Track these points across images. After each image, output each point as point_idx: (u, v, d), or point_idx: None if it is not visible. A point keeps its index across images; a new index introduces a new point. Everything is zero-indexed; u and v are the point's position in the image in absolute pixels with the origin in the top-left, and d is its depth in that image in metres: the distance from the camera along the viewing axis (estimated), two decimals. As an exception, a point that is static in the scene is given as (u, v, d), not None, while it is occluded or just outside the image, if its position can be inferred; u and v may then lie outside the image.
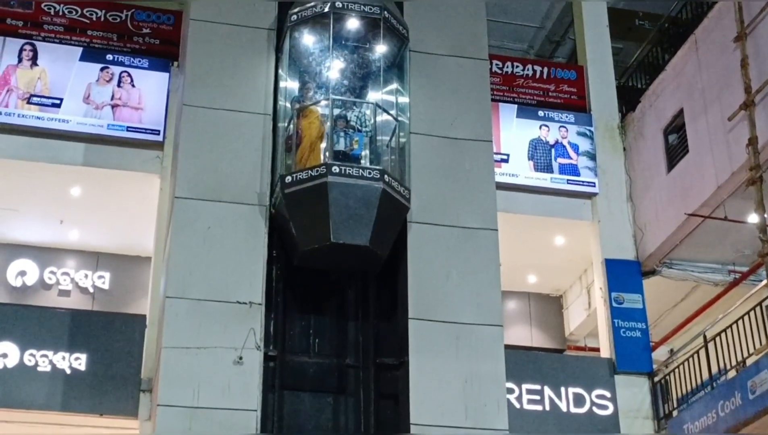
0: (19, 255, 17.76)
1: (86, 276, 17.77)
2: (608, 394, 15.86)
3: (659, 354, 17.62)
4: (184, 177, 12.74)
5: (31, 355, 14.05)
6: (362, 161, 12.86)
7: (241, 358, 11.77)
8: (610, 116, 17.90)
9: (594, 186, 17.31)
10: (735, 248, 16.47)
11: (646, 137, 17.33)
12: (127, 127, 15.58)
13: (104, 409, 13.99)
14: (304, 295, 12.82)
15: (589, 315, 18.58)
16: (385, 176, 12.31)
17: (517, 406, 15.34)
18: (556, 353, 18.95)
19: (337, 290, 12.91)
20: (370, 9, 13.19)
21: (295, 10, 13.25)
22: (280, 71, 13.35)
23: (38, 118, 15.34)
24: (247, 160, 12.87)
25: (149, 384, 13.85)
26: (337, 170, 12.18)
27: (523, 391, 15.58)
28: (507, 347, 12.86)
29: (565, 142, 17.57)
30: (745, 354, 14.56)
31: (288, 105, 13.25)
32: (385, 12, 13.19)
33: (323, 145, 12.84)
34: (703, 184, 15.61)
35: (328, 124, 12.74)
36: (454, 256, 12.88)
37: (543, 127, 17.60)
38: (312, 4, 13.19)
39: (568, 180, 17.33)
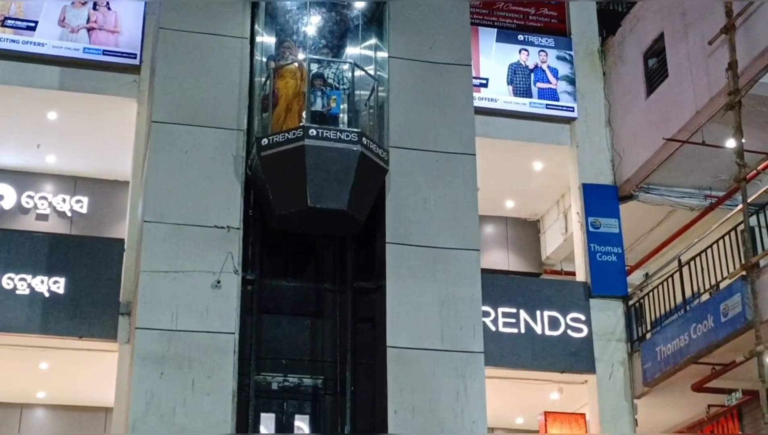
0: (-3, 179, 17.72)
1: (64, 200, 17.75)
2: (583, 317, 16.04)
3: (634, 278, 17.81)
4: (161, 101, 12.67)
5: (10, 278, 14.09)
6: (340, 122, 12.63)
7: (219, 281, 11.83)
8: (590, 40, 17.85)
9: (573, 111, 17.32)
10: (712, 173, 16.54)
11: (626, 61, 17.31)
12: (104, 50, 15.44)
13: (83, 331, 14.09)
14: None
15: (565, 239, 18.70)
16: (364, 139, 12.08)
17: (493, 328, 15.50)
18: (532, 277, 19.11)
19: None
20: None
21: None
22: (256, 26, 13.03)
23: (13, 41, 15.19)
24: (224, 83, 12.79)
25: (128, 307, 13.93)
26: (315, 133, 11.93)
27: (499, 314, 15.73)
28: (484, 271, 12.95)
29: (544, 67, 17.54)
30: (719, 278, 14.73)
31: (264, 61, 12.97)
32: None
33: (300, 105, 12.54)
34: (681, 109, 15.63)
35: (305, 83, 12.45)
36: (431, 180, 12.90)
37: (522, 51, 17.54)
38: None
39: (547, 105, 17.32)
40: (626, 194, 16.92)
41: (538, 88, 17.39)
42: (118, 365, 13.72)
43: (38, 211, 17.61)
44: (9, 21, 15.24)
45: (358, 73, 13.00)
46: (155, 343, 11.50)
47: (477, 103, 14.95)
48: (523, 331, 15.75)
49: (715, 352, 14.38)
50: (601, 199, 16.83)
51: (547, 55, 17.60)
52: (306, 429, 12.05)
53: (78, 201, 17.83)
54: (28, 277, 14.13)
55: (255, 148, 12.09)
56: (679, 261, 15.64)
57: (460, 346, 12.19)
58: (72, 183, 17.90)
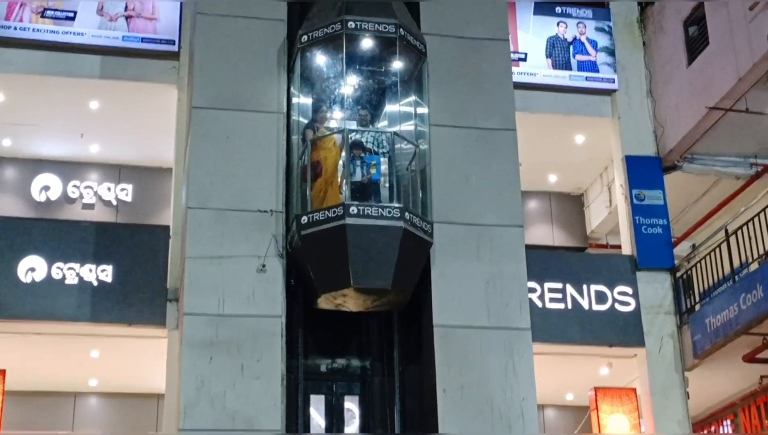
0: (42, 170, 17.90)
1: (109, 189, 17.92)
2: (630, 291, 15.94)
3: (681, 249, 17.65)
4: (200, 87, 12.70)
5: (59, 268, 14.22)
6: (381, 190, 12.24)
7: (264, 265, 11.87)
8: (629, 10, 17.67)
9: (613, 82, 17.17)
10: (757, 140, 16.36)
11: (666, 30, 17.11)
12: (142, 38, 15.53)
13: (132, 318, 14.20)
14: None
15: (610, 212, 18.59)
16: (406, 214, 11.66)
17: (540, 305, 15.45)
18: (577, 251, 19.02)
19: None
20: (385, 28, 12.30)
21: (305, 30, 12.52)
22: (291, 89, 12.66)
23: (53, 31, 15.31)
24: (263, 67, 12.79)
25: (175, 293, 14.03)
26: (355, 211, 11.49)
27: (545, 290, 15.67)
28: (528, 247, 12.88)
29: (583, 39, 17.39)
30: None
31: (300, 133, 12.56)
32: (401, 29, 12.32)
33: (340, 178, 12.12)
34: (724, 77, 15.44)
35: (344, 153, 12.06)
36: (472, 158, 12.84)
37: (561, 24, 17.40)
38: (322, 23, 12.41)
39: (587, 77, 17.18)
40: (670, 165, 16.77)
41: (578, 60, 17.25)
42: (167, 351, 13.83)
43: (84, 201, 17.80)
44: (48, 12, 15.36)
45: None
46: (203, 328, 11.57)
47: (516, 78, 14.83)
48: (570, 306, 15.69)
49: (766, 322, 14.24)
50: (644, 171, 16.69)
51: (585, 27, 17.46)
52: (356, 410, 12.09)
53: (123, 189, 17.99)
54: (77, 267, 14.26)
55: (295, 226, 11.73)
56: (726, 231, 15.50)
57: (507, 323, 12.15)
58: (116, 171, 18.06)
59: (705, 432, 18.54)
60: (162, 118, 15.75)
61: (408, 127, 12.73)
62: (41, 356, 15.71)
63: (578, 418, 17.99)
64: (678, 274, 16.23)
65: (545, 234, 19.62)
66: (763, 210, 14.59)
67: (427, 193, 12.32)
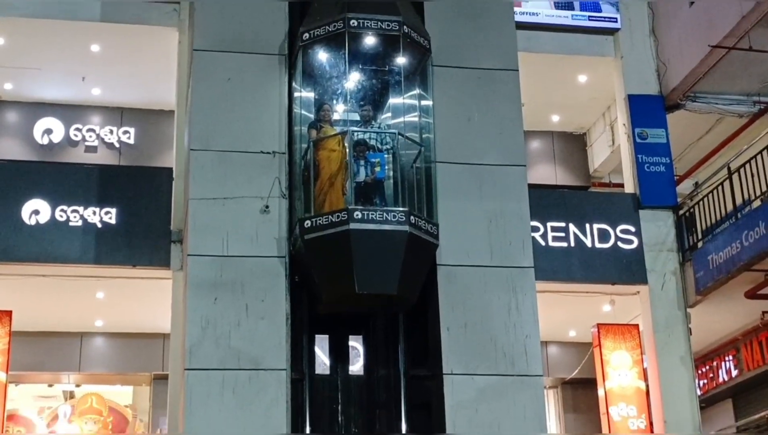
0: (44, 113, 17.91)
1: (111, 131, 17.93)
2: (633, 229, 15.99)
3: (684, 187, 17.69)
4: (201, 29, 12.64)
5: (62, 211, 14.26)
6: (386, 189, 12.04)
7: (267, 206, 11.90)
8: (631, -53, 17.53)
9: (616, 21, 17.06)
10: (760, 78, 16.32)
11: (669, -32, 17.00)
12: (142, -20, 15.42)
13: (137, 260, 14.26)
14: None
15: (612, 151, 18.59)
16: (411, 217, 11.40)
17: (543, 243, 15.51)
18: (580, 190, 19.04)
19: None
20: (388, 25, 12.01)
21: (307, 27, 12.23)
22: (293, 83, 12.39)
23: (53, -26, 15.20)
24: (264, 9, 12.72)
25: (179, 235, 14.09)
26: (360, 216, 11.25)
27: (548, 229, 15.71)
28: (531, 186, 12.89)
29: (585, -23, 17.27)
30: (770, 184, 14.62)
31: (305, 129, 12.32)
32: (405, 27, 12.03)
33: (343, 178, 11.86)
34: (727, 15, 15.34)
35: (348, 154, 11.80)
36: (475, 98, 12.81)
37: (563, -37, 17.28)
38: (324, 20, 12.13)
39: (589, 16, 17.07)
40: (673, 103, 16.73)
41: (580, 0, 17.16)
42: (172, 292, 13.92)
43: (87, 144, 17.83)
44: (48, -47, 15.24)
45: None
46: (207, 269, 11.63)
47: (518, 18, 14.77)
48: (572, 244, 15.74)
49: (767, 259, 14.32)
50: (647, 110, 16.66)
51: (588, -36, 17.33)
52: (360, 349, 12.18)
53: (125, 132, 18.00)
54: (80, 209, 14.30)
55: (298, 229, 11.53)
56: (729, 169, 15.50)
57: (510, 262, 12.20)
58: (118, 114, 18.06)
59: (707, 367, 18.72)
60: (163, 61, 15.70)
61: (412, 118, 12.48)
62: (47, 298, 15.84)
63: (581, 354, 18.15)
64: (680, 212, 16.27)
65: (548, 173, 19.64)
66: (766, 148, 14.59)
67: (432, 192, 12.08)
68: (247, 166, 12.03)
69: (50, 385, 19.60)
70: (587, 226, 15.88)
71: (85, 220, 14.27)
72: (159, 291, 14.62)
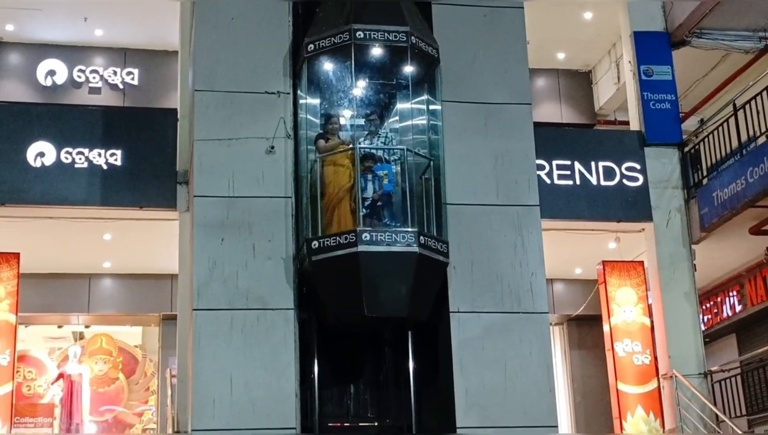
0: (47, 55, 17.86)
1: (115, 73, 17.89)
2: (638, 166, 15.98)
3: (689, 124, 17.66)
4: (204, -32, 12.55)
5: (68, 152, 14.28)
6: (394, 202, 11.71)
7: (272, 147, 11.89)
8: None
9: (621, -44, 16.93)
10: (766, 14, 16.20)
11: None
12: None
13: (143, 201, 14.31)
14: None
15: (618, 89, 18.53)
16: (421, 237, 11.11)
17: (548, 181, 15.52)
18: (585, 128, 19.02)
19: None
20: (395, 36, 11.63)
21: (311, 38, 11.85)
22: (299, 92, 12.06)
23: None
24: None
25: (185, 176, 14.12)
26: (368, 237, 10.96)
27: (554, 167, 15.72)
28: (536, 124, 12.85)
29: None
30: (776, 120, 14.58)
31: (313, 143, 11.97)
32: (413, 37, 11.65)
33: (351, 197, 11.55)
34: (733, -51, 15.24)
35: (356, 165, 11.47)
36: (480, 36, 12.72)
37: None
38: (329, 31, 11.73)
39: (594, -49, 16.95)
40: (678, 40, 16.63)
41: (585, -66, 17.01)
42: (179, 233, 13.98)
43: (90, 85, 17.79)
44: None
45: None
46: (214, 210, 11.65)
47: (523, -46, 14.64)
48: (578, 182, 15.75)
49: (772, 196, 14.34)
50: (653, 47, 16.57)
51: None
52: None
53: (129, 73, 17.95)
54: (86, 151, 14.31)
55: (305, 249, 11.30)
56: (734, 105, 15.45)
57: (516, 200, 12.21)
58: (122, 55, 17.99)
59: (711, 303, 18.82)
60: (165, 0, 15.60)
61: (420, 121, 12.25)
62: (54, 240, 15.91)
63: (587, 291, 18.24)
64: (686, 149, 16.25)
65: (553, 111, 19.59)
66: (772, 83, 14.54)
67: (441, 206, 11.80)
68: (251, 107, 11.98)
69: (60, 327, 19.77)
70: (592, 163, 15.88)
71: (90, 162, 14.28)
72: (166, 232, 14.68)
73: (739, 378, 16.26)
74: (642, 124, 16.22)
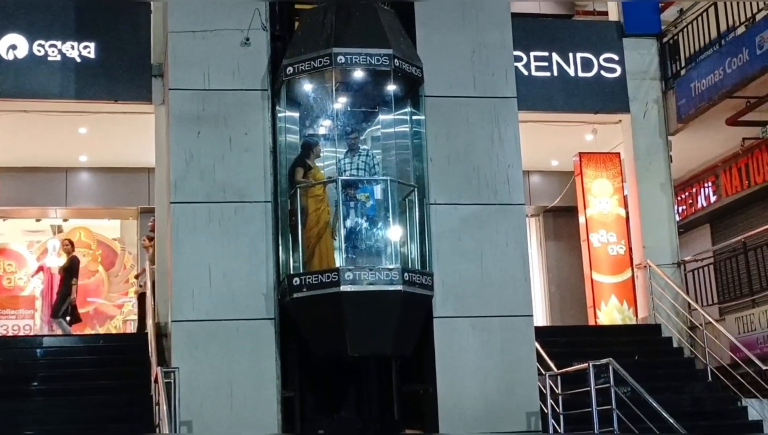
0: (16, -56, 17.44)
1: (87, -38, 17.51)
2: (616, 57, 15.90)
3: (668, 15, 17.53)
4: None
5: (40, 45, 14.10)
6: (377, 236, 11.46)
7: (248, 39, 11.79)
8: None
9: None
10: None
11: None
12: None
13: (118, 95, 14.21)
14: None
15: (597, -22, 18.35)
16: (405, 274, 10.89)
17: (525, 73, 15.43)
18: (563, 19, 18.83)
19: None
20: (378, 60, 11.21)
21: (290, 60, 11.47)
22: (278, 106, 11.75)
23: None
24: None
25: (160, 69, 13.97)
26: (351, 277, 10.69)
27: (531, 59, 15.62)
28: (514, 15, 12.78)
29: None
30: (755, 10, 14.48)
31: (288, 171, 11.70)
32: (396, 59, 11.27)
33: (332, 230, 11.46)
34: None
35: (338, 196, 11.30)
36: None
37: None
38: (309, 54, 11.32)
39: None
40: (658, -72, 16.43)
41: None
42: (155, 126, 13.90)
43: (61, -24, 17.43)
44: None
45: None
46: (190, 103, 11.61)
47: None
48: (555, 73, 15.68)
49: (750, 86, 14.35)
50: (632, -65, 16.35)
51: None
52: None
53: (101, -37, 17.59)
54: (58, 44, 14.14)
55: (287, 285, 11.02)
56: (713, -6, 15.34)
57: (493, 92, 12.21)
58: (94, -56, 17.61)
59: (686, 194, 18.96)
60: None
61: (403, 128, 12.00)
62: (29, 134, 15.77)
63: (563, 183, 18.31)
64: (664, 40, 16.17)
65: (531, 2, 19.37)
66: (752, -28, 14.42)
67: (426, 236, 11.58)
68: (226, -2, 11.85)
69: (38, 220, 19.76)
70: (570, 55, 15.79)
71: (63, 55, 14.11)
72: (142, 125, 14.59)
73: (711, 267, 16.47)
74: (620, 15, 16.10)
